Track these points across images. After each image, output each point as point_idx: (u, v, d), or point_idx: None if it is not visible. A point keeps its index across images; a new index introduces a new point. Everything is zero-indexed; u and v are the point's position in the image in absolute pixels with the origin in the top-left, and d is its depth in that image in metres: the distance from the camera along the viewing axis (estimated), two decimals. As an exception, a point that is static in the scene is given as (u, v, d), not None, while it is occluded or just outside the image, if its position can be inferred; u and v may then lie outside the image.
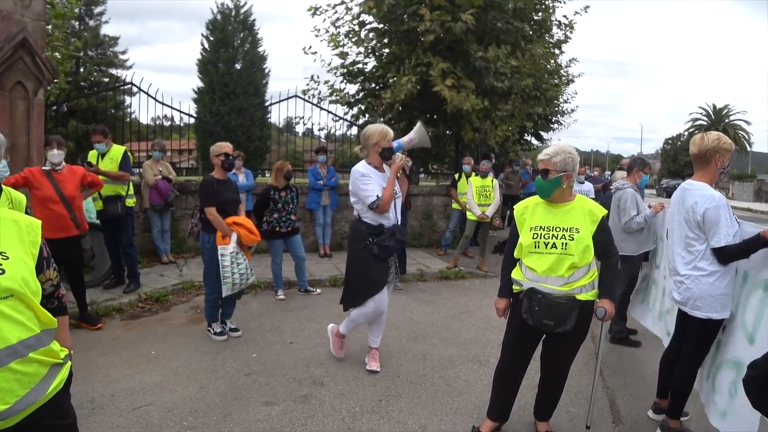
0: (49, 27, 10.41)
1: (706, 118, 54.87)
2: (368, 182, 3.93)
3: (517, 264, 3.18)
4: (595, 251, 2.99)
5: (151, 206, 7.71)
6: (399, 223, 4.17)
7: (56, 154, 4.97)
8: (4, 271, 1.58)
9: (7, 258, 1.62)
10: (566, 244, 2.93)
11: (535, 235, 3.02)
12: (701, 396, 3.35)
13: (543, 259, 2.98)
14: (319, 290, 6.90)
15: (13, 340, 1.57)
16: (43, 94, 6.44)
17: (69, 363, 1.84)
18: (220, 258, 4.77)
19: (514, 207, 3.29)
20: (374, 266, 4.02)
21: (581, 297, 2.97)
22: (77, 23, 26.83)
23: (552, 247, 2.96)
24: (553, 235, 2.98)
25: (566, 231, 2.96)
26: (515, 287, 3.18)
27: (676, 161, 56.36)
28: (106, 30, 29.19)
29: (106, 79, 23.54)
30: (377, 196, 3.90)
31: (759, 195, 36.85)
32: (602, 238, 3.01)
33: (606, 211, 3.09)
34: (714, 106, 55.05)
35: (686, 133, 56.66)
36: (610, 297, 3.04)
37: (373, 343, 4.44)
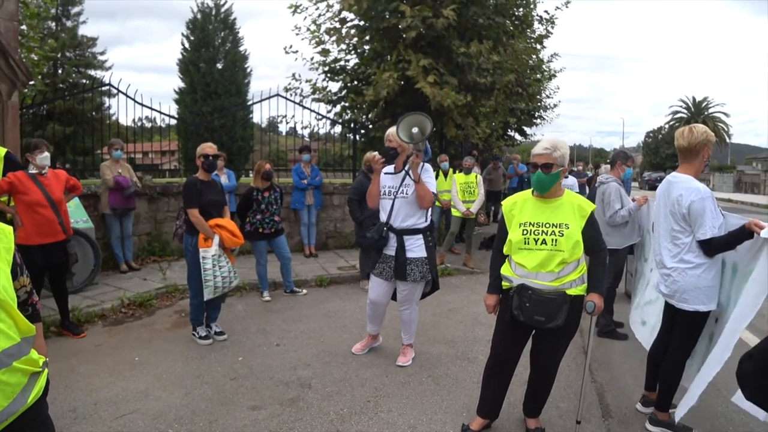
0: (24, 27, 10.22)
1: (686, 111, 55.56)
2: (373, 180, 4.27)
3: (506, 260, 3.16)
4: (584, 246, 2.98)
5: (112, 209, 7.16)
6: (393, 222, 4.20)
7: (47, 157, 4.90)
8: None
9: None
10: (556, 240, 2.92)
11: (525, 231, 3.00)
12: (685, 381, 3.33)
13: (533, 256, 2.97)
14: (305, 291, 6.83)
15: None
16: (18, 96, 6.29)
17: (46, 371, 1.80)
18: (201, 261, 4.68)
19: (503, 203, 3.27)
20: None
21: (571, 292, 2.97)
22: (54, 24, 26.44)
23: (542, 243, 2.94)
24: (542, 231, 2.96)
25: (556, 227, 2.95)
26: (504, 284, 3.16)
27: (658, 154, 57.10)
28: (84, 30, 28.84)
29: (85, 81, 23.18)
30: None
31: (739, 186, 37.45)
32: (591, 232, 3.00)
33: (594, 206, 3.08)
34: (694, 99, 55.78)
35: (667, 126, 57.38)
36: (599, 291, 3.03)
37: (368, 328, 4.72)
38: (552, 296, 2.92)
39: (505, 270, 3.14)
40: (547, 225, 2.97)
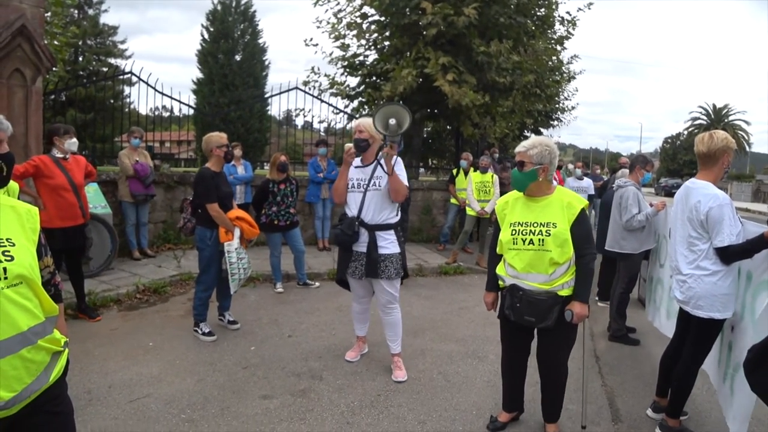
0: (48, 14, 10.35)
1: (705, 118, 54.93)
2: (341, 173, 4.11)
3: (501, 259, 3.18)
4: (573, 245, 2.95)
5: (133, 196, 7.25)
6: (364, 217, 3.96)
7: (75, 143, 5.04)
8: (13, 258, 1.58)
9: (14, 245, 1.62)
10: (543, 240, 2.92)
11: (514, 231, 3.01)
12: (719, 398, 3.28)
13: (521, 256, 2.98)
14: (317, 284, 6.87)
15: (23, 327, 1.57)
16: (42, 82, 6.38)
17: (66, 351, 1.84)
18: (227, 255, 4.62)
19: (497, 202, 3.28)
20: (339, 252, 4.23)
21: (563, 293, 2.97)
22: (76, 12, 26.71)
23: (529, 243, 2.95)
24: (530, 230, 2.96)
25: (543, 226, 2.95)
26: (500, 282, 3.19)
27: (675, 160, 56.50)
28: (105, 19, 29.14)
29: (105, 69, 23.42)
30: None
31: (757, 195, 36.90)
32: (579, 231, 2.95)
33: (586, 203, 3.07)
34: (714, 106, 55.13)
35: (686, 133, 56.75)
36: (581, 299, 2.98)
37: (357, 330, 4.52)
38: (542, 297, 2.94)
39: (499, 269, 3.18)
40: (535, 224, 2.96)
